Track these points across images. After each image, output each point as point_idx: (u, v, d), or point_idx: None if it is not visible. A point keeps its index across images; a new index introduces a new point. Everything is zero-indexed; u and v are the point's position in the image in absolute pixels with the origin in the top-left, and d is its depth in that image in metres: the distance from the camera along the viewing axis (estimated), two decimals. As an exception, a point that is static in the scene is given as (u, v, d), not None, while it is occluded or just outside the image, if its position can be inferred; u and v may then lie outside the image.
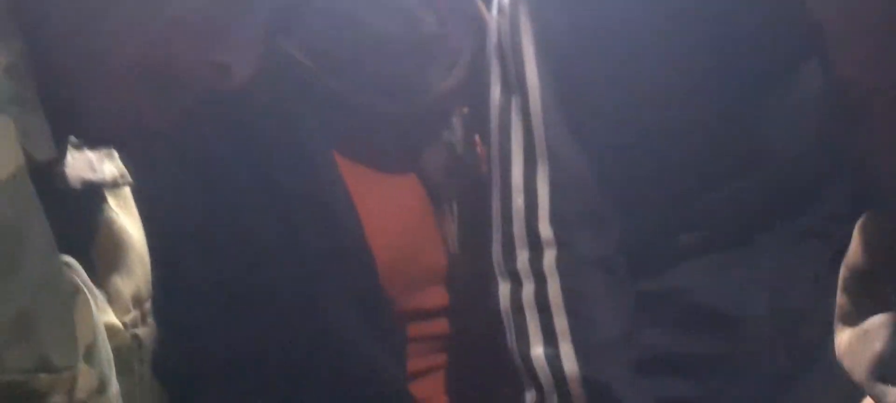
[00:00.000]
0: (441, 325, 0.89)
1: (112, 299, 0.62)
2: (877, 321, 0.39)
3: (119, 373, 0.60)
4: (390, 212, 0.85)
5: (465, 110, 0.89)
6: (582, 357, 0.77)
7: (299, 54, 0.81)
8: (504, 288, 0.80)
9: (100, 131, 0.56)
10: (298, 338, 0.82)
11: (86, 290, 0.57)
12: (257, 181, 0.80)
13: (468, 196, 0.88)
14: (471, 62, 0.85)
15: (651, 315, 0.80)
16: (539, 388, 0.78)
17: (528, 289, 0.79)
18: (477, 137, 0.90)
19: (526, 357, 0.79)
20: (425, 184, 0.88)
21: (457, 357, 0.89)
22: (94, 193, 0.62)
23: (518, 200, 0.79)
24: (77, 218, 0.60)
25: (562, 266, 0.78)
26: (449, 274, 0.88)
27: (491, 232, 0.83)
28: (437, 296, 0.88)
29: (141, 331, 0.65)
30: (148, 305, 0.67)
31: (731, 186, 0.79)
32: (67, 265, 0.55)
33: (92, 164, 0.61)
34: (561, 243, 0.78)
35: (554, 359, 0.77)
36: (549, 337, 0.78)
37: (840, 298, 0.43)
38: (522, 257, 0.79)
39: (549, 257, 0.78)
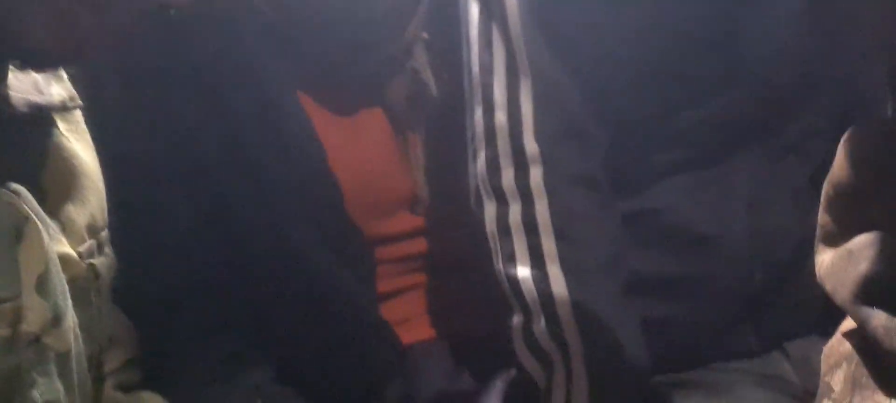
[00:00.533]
0: (409, 247, 0.88)
1: (65, 228, 0.60)
2: (862, 240, 0.38)
3: (76, 305, 0.58)
4: (354, 143, 0.85)
5: (426, 36, 0.87)
6: (570, 278, 0.75)
7: (261, 3, 0.79)
8: (490, 209, 0.78)
9: (39, 51, 0.53)
10: (263, 267, 0.81)
11: (35, 220, 0.54)
12: (217, 114, 0.78)
13: (434, 119, 0.87)
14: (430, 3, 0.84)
15: (629, 235, 0.78)
16: (526, 310, 0.77)
17: (516, 209, 0.76)
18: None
19: (513, 279, 0.76)
20: (389, 114, 0.87)
21: (433, 278, 0.89)
22: (42, 118, 0.59)
23: (501, 117, 0.76)
24: (25, 145, 0.57)
25: (549, 184, 0.75)
26: (417, 199, 0.87)
27: (466, 153, 0.81)
28: (404, 221, 0.88)
29: (98, 262, 0.62)
30: (104, 234, 0.64)
31: (710, 103, 0.77)
32: (15, 193, 0.53)
33: (38, 86, 0.58)
34: (546, 159, 0.75)
35: (541, 281, 0.75)
36: (537, 259, 0.76)
37: (822, 218, 0.41)
38: (508, 175, 0.76)
39: (536, 175, 0.76)
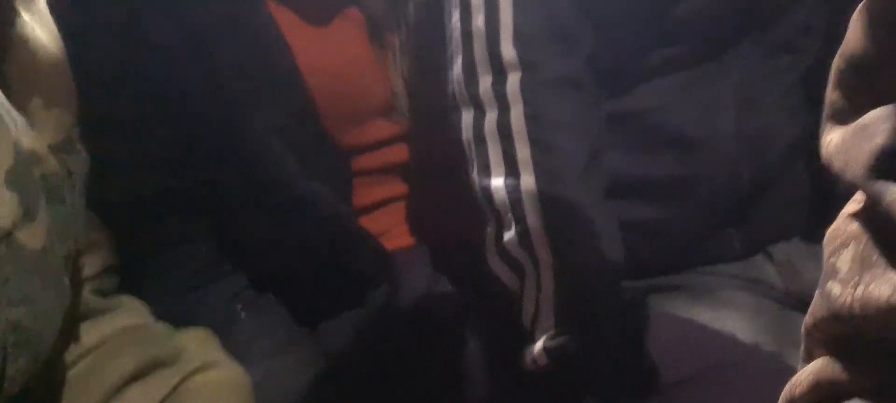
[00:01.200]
0: (387, 156, 0.86)
1: (33, 122, 0.57)
2: (878, 114, 0.36)
3: (49, 202, 0.55)
4: (327, 47, 0.82)
5: None
6: (542, 186, 0.73)
7: None
8: (466, 117, 0.76)
9: None
10: (232, 178, 0.79)
11: (1, 111, 0.51)
12: (184, 21, 0.76)
13: (413, 22, 0.84)
14: None
15: (615, 136, 0.77)
16: (498, 220, 0.75)
17: (491, 117, 0.74)
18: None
19: (486, 189, 0.75)
20: (366, 15, 0.84)
21: (413, 187, 0.87)
22: (2, 4, 0.56)
23: (478, 20, 0.73)
24: (-14, 33, 0.54)
25: (526, 90, 0.73)
26: (395, 106, 0.85)
27: (444, 58, 0.78)
28: (381, 129, 0.86)
29: (69, 159, 0.60)
30: (76, 131, 0.62)
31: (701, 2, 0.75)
32: None
33: (-2, -30, 0.54)
34: (525, 65, 0.73)
35: (513, 190, 0.74)
36: (511, 167, 0.74)
37: (831, 95, 0.40)
38: (485, 83, 0.74)
39: (513, 81, 0.73)
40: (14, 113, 0.54)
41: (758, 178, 0.79)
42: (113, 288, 0.72)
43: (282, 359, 0.78)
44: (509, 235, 0.75)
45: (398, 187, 0.88)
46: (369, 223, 0.86)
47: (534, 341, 0.77)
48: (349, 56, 0.83)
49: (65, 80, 0.61)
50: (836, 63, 0.40)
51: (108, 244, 0.73)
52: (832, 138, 0.39)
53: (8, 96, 0.54)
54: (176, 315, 0.73)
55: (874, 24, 0.37)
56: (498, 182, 0.74)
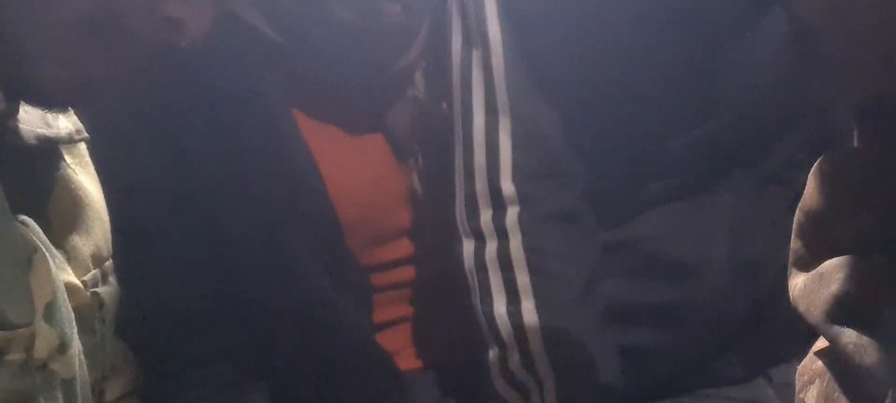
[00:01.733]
0: (406, 274, 0.90)
1: (71, 258, 0.61)
2: (832, 264, 0.40)
3: (80, 332, 0.59)
4: (354, 170, 0.86)
5: (424, 64, 0.89)
6: (543, 311, 0.77)
7: (263, 26, 0.81)
8: (468, 247, 0.80)
9: (49, 92, 0.55)
10: (263, 294, 0.83)
11: (43, 249, 0.56)
12: (217, 140, 0.80)
13: (432, 148, 0.89)
14: (430, 27, 0.86)
15: (612, 264, 0.81)
16: (501, 345, 0.79)
17: (491, 247, 0.79)
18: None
19: (489, 315, 0.79)
20: (390, 140, 0.88)
21: (423, 309, 0.91)
22: (49, 150, 0.61)
23: (480, 157, 0.78)
24: (32, 176, 0.59)
25: (524, 222, 0.78)
26: (414, 227, 0.89)
27: (453, 186, 0.83)
28: (402, 248, 0.89)
29: (102, 290, 0.64)
30: (108, 264, 0.66)
31: (692, 134, 0.80)
32: (23, 224, 0.55)
33: (46, 120, 0.60)
34: (523, 199, 0.78)
35: (515, 315, 0.78)
36: (512, 295, 0.78)
37: (794, 243, 0.43)
38: (486, 216, 0.79)
39: (512, 214, 0.78)
40: (53, 249, 0.59)
41: (753, 303, 0.82)
42: (134, 411, 0.75)
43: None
44: (513, 359, 0.78)
45: (410, 307, 0.91)
46: (385, 340, 0.88)
47: None
48: (374, 178, 0.87)
49: (101, 219, 0.66)
50: (797, 215, 0.44)
51: (129, 368, 0.76)
52: (797, 283, 0.42)
53: (48, 233, 0.58)
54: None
55: (826, 182, 0.41)
56: (500, 308, 0.78)
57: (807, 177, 0.82)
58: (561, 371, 0.77)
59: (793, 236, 0.44)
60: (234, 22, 0.79)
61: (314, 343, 0.84)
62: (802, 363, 0.43)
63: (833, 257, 0.40)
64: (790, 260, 0.44)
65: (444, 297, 0.88)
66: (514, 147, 0.77)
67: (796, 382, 0.43)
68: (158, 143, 0.79)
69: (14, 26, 0.51)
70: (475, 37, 0.79)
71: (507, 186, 0.78)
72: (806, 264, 0.42)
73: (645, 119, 0.79)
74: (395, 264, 0.89)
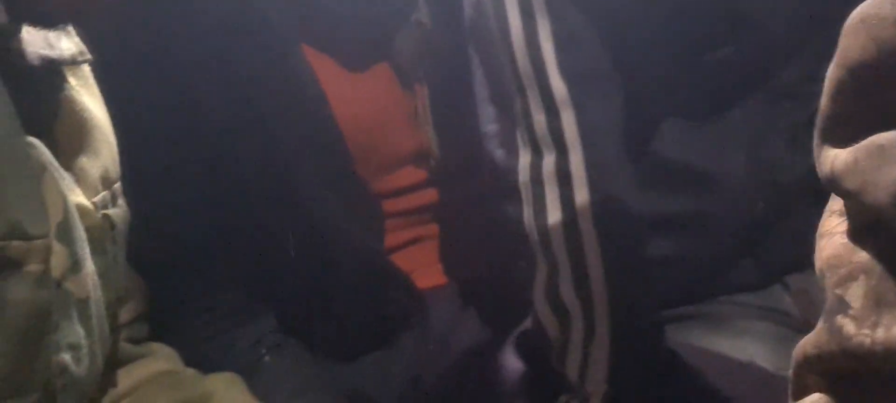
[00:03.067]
0: (416, 200, 0.90)
1: (79, 179, 0.62)
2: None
3: (93, 254, 0.60)
4: (360, 99, 0.86)
5: None
6: (602, 229, 0.75)
7: None
8: (524, 159, 0.78)
9: (49, 8, 0.55)
10: (272, 220, 0.84)
11: (52, 169, 0.57)
12: (225, 69, 0.80)
13: (439, 73, 0.88)
14: None
15: (636, 176, 0.79)
16: (552, 263, 0.77)
17: (549, 160, 0.76)
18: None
19: (542, 230, 0.76)
20: (396, 67, 0.88)
21: (439, 229, 0.91)
22: (53, 71, 0.61)
23: (524, 63, 0.76)
24: (37, 98, 0.59)
25: (583, 133, 0.75)
26: (425, 153, 0.89)
27: (472, 104, 0.83)
28: (409, 174, 0.90)
29: (112, 212, 0.64)
30: (117, 186, 0.67)
31: (711, 54, 0.79)
32: (31, 145, 0.55)
33: (49, 41, 0.60)
34: (576, 102, 0.75)
35: (573, 232, 0.75)
36: (569, 211, 0.75)
37: (828, 108, 0.38)
38: (539, 121, 0.76)
39: (569, 121, 0.75)
40: (62, 171, 0.59)
41: (770, 210, 0.82)
42: (144, 335, 0.76)
43: (306, 401, 0.82)
44: (565, 280, 0.76)
45: (424, 229, 0.92)
46: (398, 262, 0.90)
47: (581, 388, 0.78)
48: (381, 107, 0.88)
49: (109, 140, 0.66)
50: (836, 73, 0.39)
51: (139, 293, 0.77)
52: (838, 155, 0.38)
53: (56, 155, 0.59)
54: (204, 360, 0.77)
55: (881, 31, 0.36)
56: (556, 225, 0.76)
57: (820, 89, 0.82)
58: (617, 297, 0.75)
59: (824, 99, 0.39)
60: None
61: (325, 269, 0.85)
62: (831, 252, 0.39)
63: (886, 128, 0.36)
64: (819, 127, 0.40)
65: (466, 214, 0.89)
66: (557, 47, 0.75)
67: (825, 272, 0.40)
68: (165, 72, 0.79)
69: None
70: None
71: (557, 84, 0.75)
72: (845, 132, 0.37)
73: (669, 37, 0.78)
74: (406, 190, 0.90)
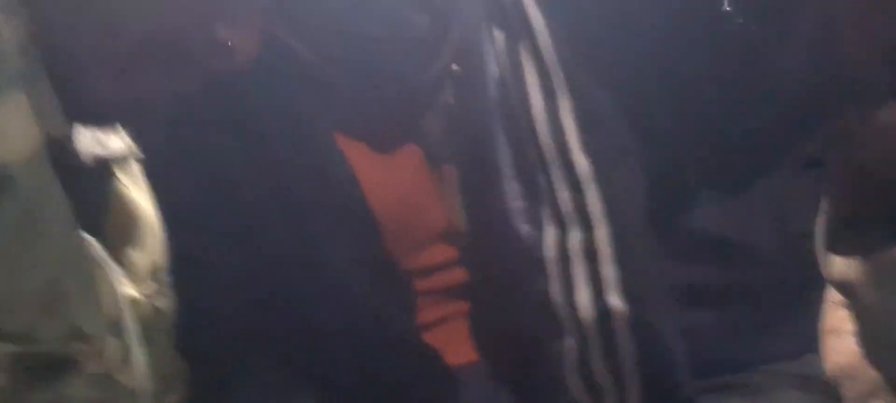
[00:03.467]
0: (446, 278, 0.92)
1: (129, 272, 0.64)
2: None
3: (142, 343, 0.62)
4: (390, 180, 0.88)
5: (455, 67, 0.91)
6: (632, 303, 0.76)
7: (297, 45, 0.83)
8: (549, 235, 0.79)
9: (104, 112, 0.58)
10: (308, 302, 0.85)
11: (104, 264, 0.59)
12: (258, 159, 0.83)
13: (466, 153, 0.91)
14: (460, 33, 0.88)
15: (664, 248, 0.81)
16: (582, 337, 0.77)
17: (575, 236, 0.77)
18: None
19: (571, 305, 0.77)
20: (424, 148, 0.91)
21: (469, 306, 0.92)
22: (103, 168, 0.64)
23: (547, 141, 0.78)
24: (89, 194, 0.61)
25: (608, 209, 0.76)
26: (453, 231, 0.91)
27: (499, 182, 0.85)
28: (440, 253, 0.91)
29: (160, 302, 0.67)
30: (164, 277, 0.69)
31: (736, 129, 0.80)
32: (87, 243, 0.57)
33: (100, 140, 0.63)
34: (600, 178, 0.77)
35: (602, 306, 0.76)
36: (597, 285, 0.76)
37: (837, 222, 0.40)
38: (563, 198, 0.78)
39: (593, 198, 0.77)
40: (113, 264, 0.61)
41: (804, 278, 0.83)
42: (185, 421, 0.78)
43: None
44: (596, 353, 0.77)
45: (455, 307, 0.93)
46: (428, 340, 0.90)
47: None
48: (410, 187, 0.89)
49: (155, 233, 0.68)
50: (841, 187, 0.39)
51: (181, 377, 0.79)
52: (850, 267, 0.37)
53: (106, 249, 0.61)
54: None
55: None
56: (584, 299, 0.77)
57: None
58: (649, 371, 0.76)
59: (831, 214, 0.40)
60: (271, 43, 0.82)
61: (360, 347, 0.86)
62: (846, 357, 0.40)
63: None
64: (830, 241, 0.41)
65: (495, 291, 0.90)
66: (579, 125, 0.77)
67: (843, 382, 0.40)
68: (201, 164, 0.81)
69: (77, 54, 0.54)
70: (518, 28, 0.79)
71: (581, 161, 0.77)
72: (860, 247, 0.38)
73: (692, 112, 0.79)
74: (436, 268, 0.91)
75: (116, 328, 0.58)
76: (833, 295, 0.44)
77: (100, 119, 0.59)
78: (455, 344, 0.92)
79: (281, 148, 0.83)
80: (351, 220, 0.85)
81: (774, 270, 0.82)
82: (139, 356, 0.61)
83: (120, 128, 0.64)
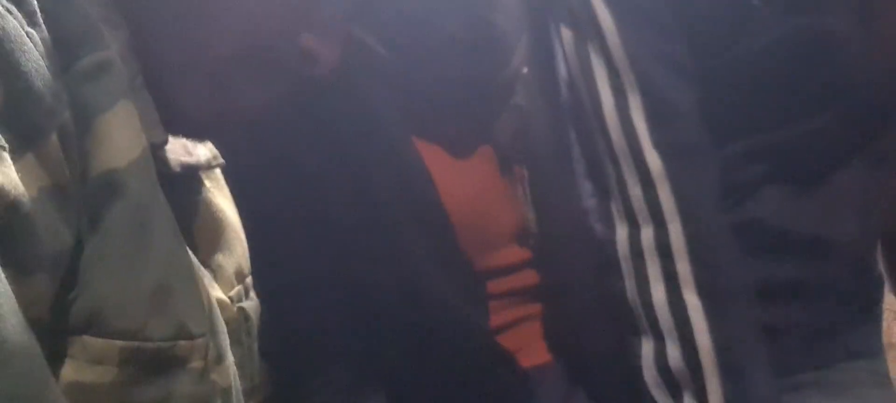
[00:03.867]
0: (519, 280, 0.92)
1: (217, 276, 0.66)
2: None
3: (231, 345, 0.64)
4: (464, 181, 0.90)
5: (526, 70, 0.92)
6: (707, 300, 0.75)
7: (376, 45, 0.85)
8: (621, 233, 0.79)
9: (197, 123, 0.60)
10: (384, 301, 0.86)
11: (197, 268, 0.61)
12: (337, 159, 0.84)
13: (538, 153, 0.92)
14: (530, 35, 0.89)
15: (742, 243, 0.80)
16: (659, 336, 0.78)
17: (647, 233, 0.78)
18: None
19: (647, 304, 0.78)
20: (497, 150, 0.92)
21: (542, 308, 0.93)
22: (191, 176, 0.66)
23: (618, 139, 0.78)
24: (179, 201, 0.63)
25: (680, 205, 0.76)
26: (525, 232, 0.92)
27: (572, 181, 0.85)
28: (512, 254, 0.92)
29: (246, 305, 0.69)
30: (249, 280, 0.71)
31: (812, 123, 0.79)
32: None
33: (187, 148, 0.65)
34: (671, 175, 0.77)
35: (677, 304, 0.76)
36: (672, 282, 0.77)
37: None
38: (636, 194, 0.78)
39: (665, 195, 0.77)
40: (202, 268, 0.64)
41: (882, 276, 0.82)
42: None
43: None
44: (674, 352, 0.77)
45: (527, 309, 0.94)
46: (503, 342, 0.91)
47: None
48: (484, 188, 0.90)
49: (240, 238, 0.70)
50: None
51: (264, 376, 0.81)
52: None
53: (195, 254, 0.63)
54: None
55: None
56: (660, 297, 0.77)
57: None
58: (727, 366, 0.75)
59: None
60: (350, 44, 0.83)
61: (433, 346, 0.87)
62: (892, 321, 0.40)
63: None
64: None
65: (569, 291, 0.90)
66: (649, 122, 0.77)
67: (885, 337, 0.40)
68: (282, 166, 0.83)
69: (172, 67, 0.56)
70: (586, 27, 0.80)
71: (652, 158, 0.77)
72: None
73: (766, 107, 0.79)
74: (509, 269, 0.92)
75: (211, 329, 0.59)
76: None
77: (194, 130, 0.61)
78: (528, 346, 0.93)
79: (358, 148, 0.85)
80: (426, 220, 0.87)
81: (854, 265, 0.81)
82: (229, 356, 0.63)
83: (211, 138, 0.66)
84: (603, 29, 0.79)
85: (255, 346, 0.71)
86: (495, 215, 0.91)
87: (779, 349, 0.80)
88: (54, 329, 0.47)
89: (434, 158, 0.88)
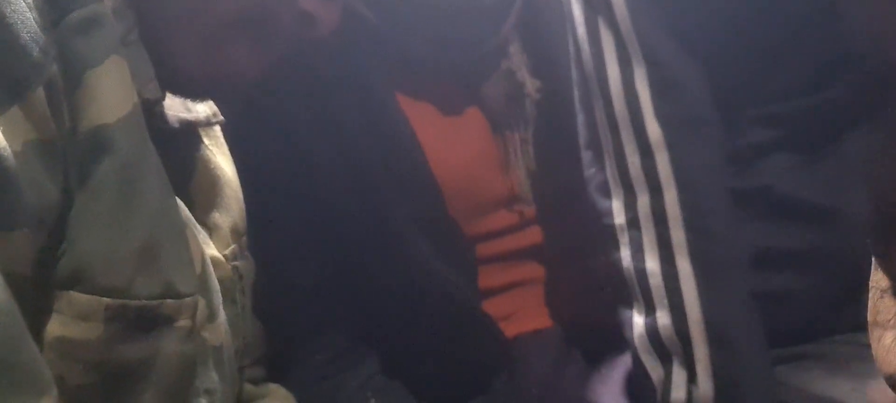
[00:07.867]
0: (508, 244, 0.93)
1: (212, 233, 0.67)
2: None
3: (224, 303, 0.65)
4: (452, 144, 0.90)
5: (519, 36, 0.91)
6: (700, 270, 0.76)
7: (364, 9, 0.85)
8: (617, 200, 0.80)
9: (196, 84, 0.60)
10: (372, 266, 0.88)
11: (191, 225, 0.61)
12: (324, 123, 0.85)
13: (537, 120, 0.91)
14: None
15: (746, 211, 0.79)
16: (650, 305, 0.78)
17: (643, 200, 0.78)
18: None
19: (640, 272, 0.78)
20: (487, 113, 0.92)
21: (535, 272, 0.93)
22: (190, 132, 0.66)
23: (621, 107, 0.78)
24: (175, 157, 0.64)
25: (677, 174, 0.77)
26: (516, 197, 0.91)
27: (572, 149, 0.84)
28: (502, 218, 0.93)
29: (240, 264, 0.69)
30: (245, 239, 0.71)
31: (821, 95, 0.78)
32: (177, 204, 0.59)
33: (186, 104, 0.65)
34: (671, 145, 0.77)
35: (670, 274, 0.76)
36: (666, 251, 0.77)
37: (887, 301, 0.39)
38: (634, 162, 0.78)
39: (663, 162, 0.77)
40: (197, 225, 0.64)
41: None
42: (262, 376, 0.81)
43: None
44: (664, 322, 0.77)
45: (519, 272, 0.94)
46: (492, 307, 0.92)
47: None
48: (473, 151, 0.91)
49: (237, 197, 0.71)
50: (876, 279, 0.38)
51: (258, 336, 0.82)
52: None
53: (191, 210, 0.63)
54: (315, 402, 0.80)
55: None
56: (653, 266, 0.78)
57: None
58: (717, 336, 0.76)
59: (876, 291, 0.40)
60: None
61: (419, 312, 0.88)
62: (878, 299, 0.39)
63: None
64: (876, 317, 0.40)
65: (564, 257, 0.90)
66: (653, 93, 0.77)
67: (869, 314, 0.39)
68: (271, 130, 0.84)
69: (170, 25, 0.56)
70: (597, 2, 0.80)
71: (653, 128, 0.77)
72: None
73: (770, 74, 0.78)
74: (498, 233, 0.92)
75: (203, 287, 0.60)
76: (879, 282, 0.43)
77: (190, 90, 0.61)
78: (525, 309, 0.93)
79: (347, 112, 0.85)
80: (414, 184, 0.87)
81: (860, 235, 0.80)
82: (222, 314, 0.63)
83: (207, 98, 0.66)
84: (612, 3, 0.79)
85: (249, 305, 0.71)
86: (485, 180, 0.91)
87: (779, 318, 0.80)
88: (41, 283, 0.48)
89: (423, 121, 0.88)
